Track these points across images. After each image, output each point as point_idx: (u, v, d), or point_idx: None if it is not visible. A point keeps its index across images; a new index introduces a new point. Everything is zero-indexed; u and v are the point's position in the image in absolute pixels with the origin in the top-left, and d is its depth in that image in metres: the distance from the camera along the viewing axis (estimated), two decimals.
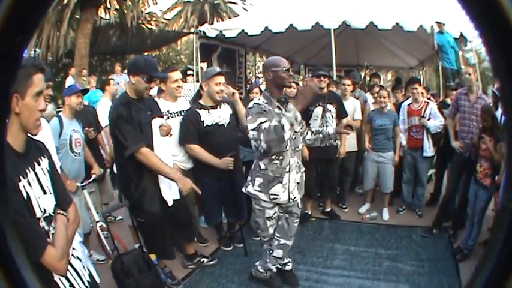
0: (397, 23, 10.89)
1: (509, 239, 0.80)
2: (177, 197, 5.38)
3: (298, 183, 5.23)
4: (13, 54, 0.84)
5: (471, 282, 0.86)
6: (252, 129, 4.81)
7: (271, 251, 5.52)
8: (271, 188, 5.04)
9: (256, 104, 4.93)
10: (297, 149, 5.17)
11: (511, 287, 0.78)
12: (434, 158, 8.76)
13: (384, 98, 8.08)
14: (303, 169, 5.42)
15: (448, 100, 8.98)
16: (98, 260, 6.30)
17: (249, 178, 5.31)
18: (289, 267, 5.91)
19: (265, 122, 4.71)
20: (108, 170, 7.60)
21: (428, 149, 8.12)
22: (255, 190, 5.14)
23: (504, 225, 0.81)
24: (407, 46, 15.85)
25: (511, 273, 0.78)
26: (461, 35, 11.89)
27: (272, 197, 5.08)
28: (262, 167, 5.05)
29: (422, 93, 8.37)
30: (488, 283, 0.81)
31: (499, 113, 6.89)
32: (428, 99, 9.16)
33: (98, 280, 3.27)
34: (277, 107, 4.96)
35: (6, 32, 0.79)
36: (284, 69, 4.90)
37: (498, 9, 0.74)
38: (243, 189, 5.39)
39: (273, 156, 4.96)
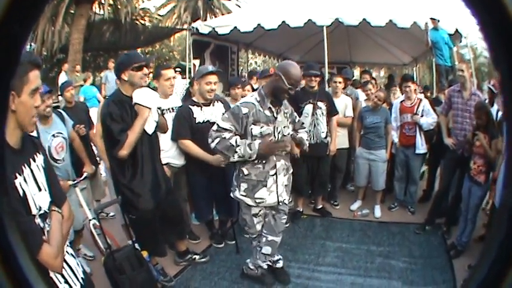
0: (390, 20, 10.93)
1: (508, 236, 0.79)
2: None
3: (286, 185, 5.24)
4: (13, 48, 0.83)
5: (468, 280, 0.85)
6: (217, 126, 4.91)
7: (260, 248, 5.52)
8: (256, 192, 5.08)
9: (246, 103, 4.95)
10: (285, 152, 5.14)
11: (507, 287, 0.77)
12: (426, 155, 8.76)
13: (379, 100, 8.08)
14: (291, 170, 5.42)
15: (441, 96, 8.99)
16: (85, 254, 6.32)
17: (234, 183, 5.33)
18: (280, 264, 5.89)
19: (229, 132, 4.82)
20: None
21: (421, 146, 8.11)
22: (241, 195, 5.18)
23: (503, 222, 0.80)
24: (400, 43, 15.93)
25: (509, 272, 0.78)
26: (457, 31, 11.91)
27: (258, 201, 5.12)
28: (245, 172, 5.09)
29: (415, 89, 8.34)
30: (485, 281, 0.80)
31: (494, 109, 6.89)
32: (422, 92, 9.15)
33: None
34: (269, 108, 4.95)
35: (6, 25, 0.77)
36: (291, 87, 4.87)
37: (498, 2, 0.73)
38: (231, 194, 5.42)
39: (256, 161, 4.98)
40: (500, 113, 6.92)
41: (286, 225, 5.82)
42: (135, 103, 4.86)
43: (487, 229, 6.66)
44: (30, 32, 0.88)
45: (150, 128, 5.11)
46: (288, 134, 5.19)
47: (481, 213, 6.92)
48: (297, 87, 4.99)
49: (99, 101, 14.48)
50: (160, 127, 5.47)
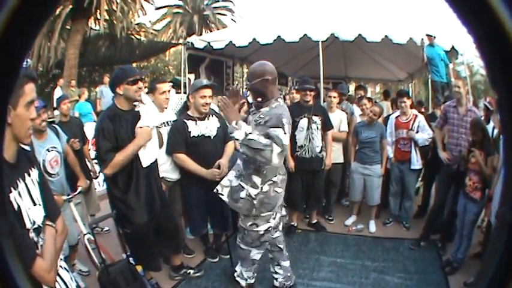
0: (386, 36, 10.93)
1: (506, 253, 0.79)
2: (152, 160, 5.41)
3: (232, 185, 5.19)
4: (12, 65, 0.83)
5: None
6: None
7: None
8: None
9: None
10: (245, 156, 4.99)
11: None
12: (421, 170, 8.77)
13: (375, 115, 8.10)
14: (247, 185, 5.07)
15: (437, 112, 9.02)
16: (80, 270, 6.29)
17: None
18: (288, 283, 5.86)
19: None
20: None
21: (416, 162, 8.13)
22: None
23: (502, 239, 0.80)
24: (396, 59, 15.96)
25: (508, 287, 0.77)
26: (453, 47, 11.93)
27: None
28: None
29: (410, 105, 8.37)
30: None
31: (489, 126, 6.90)
32: (418, 111, 9.18)
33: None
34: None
35: (6, 41, 0.77)
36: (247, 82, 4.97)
37: (496, 22, 0.73)
38: None
39: None
40: (496, 130, 6.94)
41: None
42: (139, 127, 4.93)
43: (483, 246, 6.65)
44: (29, 49, 0.89)
45: (146, 161, 5.16)
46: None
47: (477, 230, 6.91)
48: (250, 82, 5.02)
49: (94, 117, 14.60)
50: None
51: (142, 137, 4.99)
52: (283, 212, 5.59)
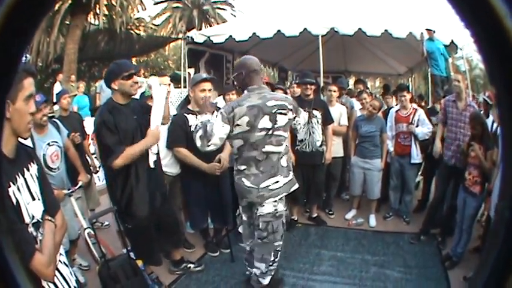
0: (385, 30, 10.94)
1: (504, 249, 0.79)
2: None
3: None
4: (10, 62, 0.83)
5: None
6: None
7: None
8: None
9: None
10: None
11: None
12: (421, 164, 8.76)
13: (374, 109, 8.08)
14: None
15: (437, 106, 9.00)
16: (81, 264, 6.30)
17: None
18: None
19: None
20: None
21: (416, 156, 8.10)
22: None
23: (500, 233, 0.80)
24: (396, 53, 15.94)
25: (505, 285, 0.77)
26: (452, 42, 11.94)
27: None
28: None
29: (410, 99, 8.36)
30: None
31: (489, 120, 6.88)
32: (419, 105, 9.18)
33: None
34: None
35: (3, 38, 0.77)
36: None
37: (495, 18, 0.73)
38: None
39: None
40: (495, 125, 6.93)
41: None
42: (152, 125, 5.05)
43: (482, 241, 6.64)
44: (26, 46, 0.89)
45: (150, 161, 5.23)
46: None
47: (476, 224, 6.90)
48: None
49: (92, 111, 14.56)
50: None
51: (153, 138, 5.07)
52: (260, 223, 4.93)
